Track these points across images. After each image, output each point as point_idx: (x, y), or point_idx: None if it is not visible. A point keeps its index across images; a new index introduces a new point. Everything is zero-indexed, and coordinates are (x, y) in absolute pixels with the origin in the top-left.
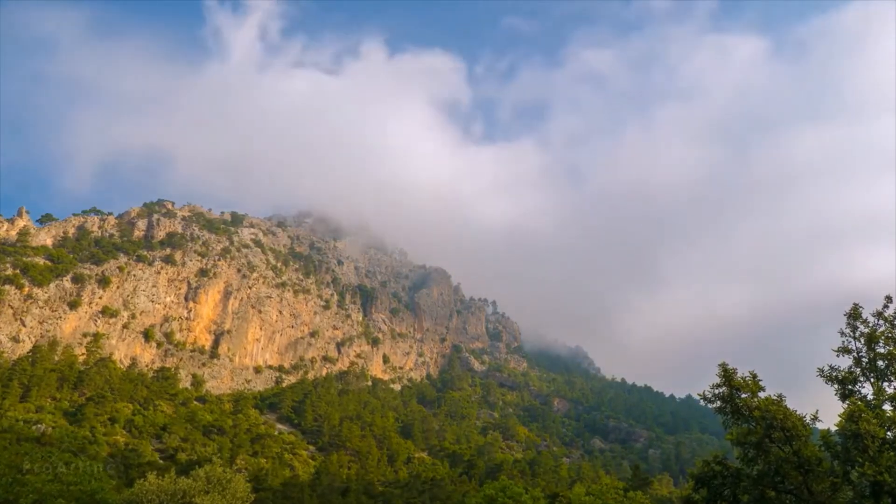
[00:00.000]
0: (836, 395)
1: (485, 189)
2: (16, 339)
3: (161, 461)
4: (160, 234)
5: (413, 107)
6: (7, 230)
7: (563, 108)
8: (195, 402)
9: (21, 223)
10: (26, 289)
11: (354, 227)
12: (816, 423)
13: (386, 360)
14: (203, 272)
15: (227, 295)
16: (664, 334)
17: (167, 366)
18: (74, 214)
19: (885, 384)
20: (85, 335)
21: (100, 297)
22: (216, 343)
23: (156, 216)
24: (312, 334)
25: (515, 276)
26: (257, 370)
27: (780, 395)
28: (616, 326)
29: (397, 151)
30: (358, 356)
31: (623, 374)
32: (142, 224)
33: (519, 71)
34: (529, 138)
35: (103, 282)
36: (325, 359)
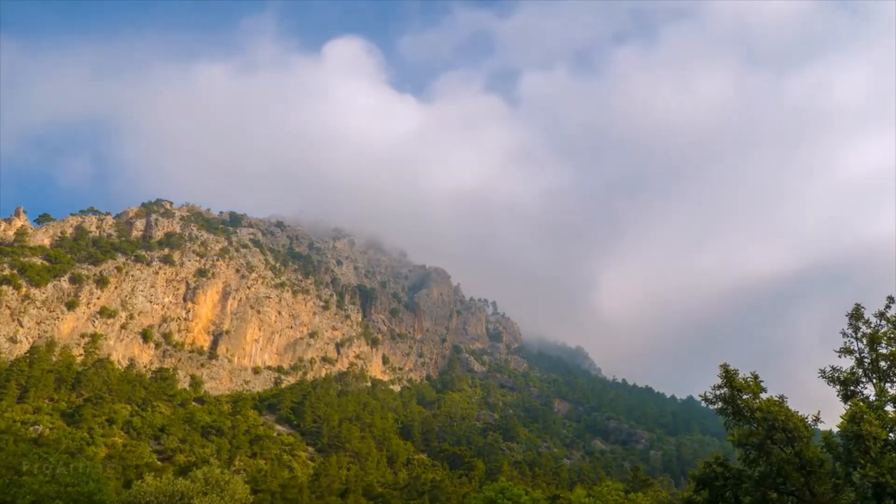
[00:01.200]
0: (838, 396)
1: (441, 150)
2: (13, 340)
3: (159, 462)
4: (158, 234)
5: (361, 87)
6: (4, 230)
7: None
8: (193, 403)
9: (18, 223)
10: (24, 289)
11: (353, 226)
12: (818, 424)
13: (385, 360)
14: (201, 272)
15: (225, 295)
16: (642, 307)
17: (165, 367)
18: (72, 214)
19: (888, 385)
20: (83, 336)
21: (98, 298)
22: (215, 344)
23: (154, 216)
24: (311, 335)
25: (474, 246)
26: (256, 371)
27: (781, 397)
28: (591, 301)
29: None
30: (357, 357)
31: (598, 354)
32: (140, 224)
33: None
34: (491, 93)
35: (101, 282)
36: (325, 359)
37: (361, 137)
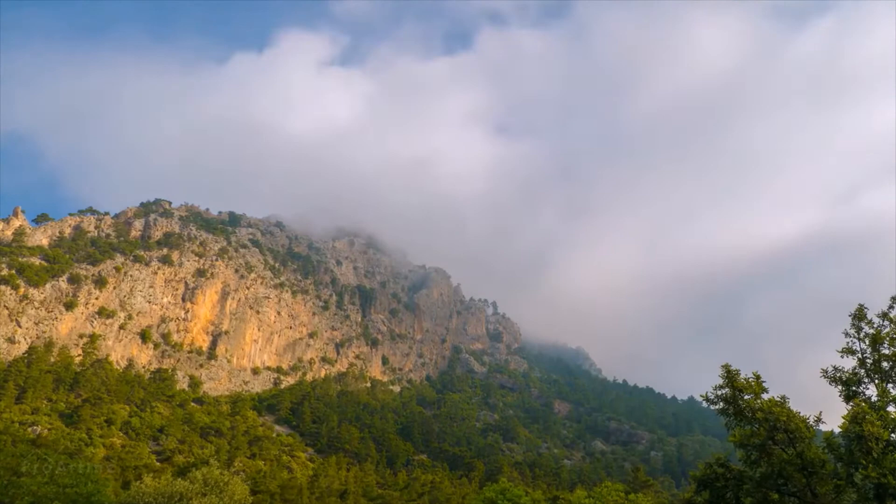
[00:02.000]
0: (840, 396)
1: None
2: (11, 340)
3: (158, 463)
4: (157, 233)
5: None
6: (2, 230)
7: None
8: (192, 404)
9: (17, 223)
10: (22, 289)
11: (353, 226)
12: (820, 424)
13: (385, 361)
14: (200, 272)
15: (224, 295)
16: (626, 284)
17: (164, 367)
18: (70, 214)
19: (890, 386)
20: (81, 336)
21: (96, 298)
22: (214, 344)
23: (153, 216)
24: (311, 335)
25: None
26: (255, 371)
27: (783, 397)
28: (551, 280)
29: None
30: (357, 357)
31: (564, 338)
32: (139, 224)
33: None
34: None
35: (100, 282)
36: (324, 360)
37: (305, 120)
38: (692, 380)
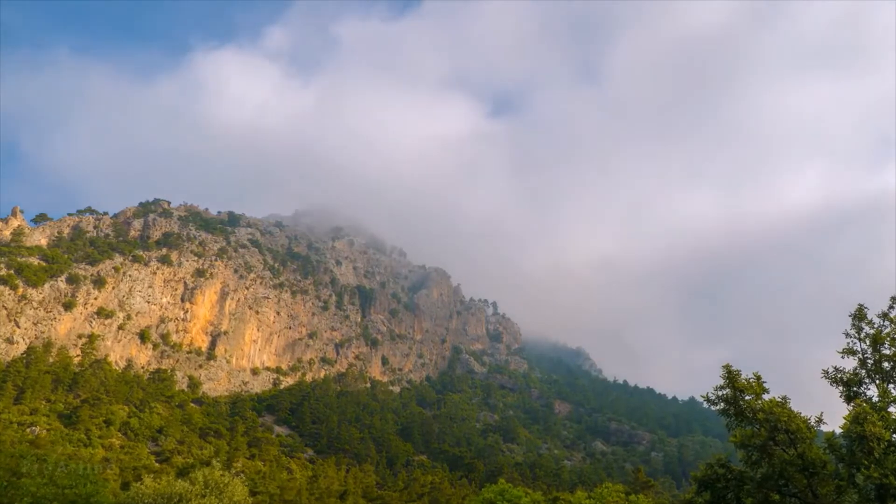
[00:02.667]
0: (841, 397)
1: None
2: (10, 341)
3: (157, 464)
4: (156, 233)
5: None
6: (1, 230)
7: None
8: (192, 405)
9: (15, 223)
10: (20, 289)
11: (353, 227)
12: (821, 425)
13: (385, 361)
14: (200, 272)
15: (223, 296)
16: (575, 267)
17: (163, 367)
18: (69, 214)
19: (891, 386)
20: (80, 336)
21: (95, 298)
22: (213, 344)
23: (152, 216)
24: (310, 335)
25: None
26: (255, 372)
27: (784, 398)
28: (519, 262)
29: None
30: (356, 358)
31: (538, 326)
32: (138, 224)
33: None
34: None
35: (98, 282)
36: (324, 360)
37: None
38: (690, 374)
